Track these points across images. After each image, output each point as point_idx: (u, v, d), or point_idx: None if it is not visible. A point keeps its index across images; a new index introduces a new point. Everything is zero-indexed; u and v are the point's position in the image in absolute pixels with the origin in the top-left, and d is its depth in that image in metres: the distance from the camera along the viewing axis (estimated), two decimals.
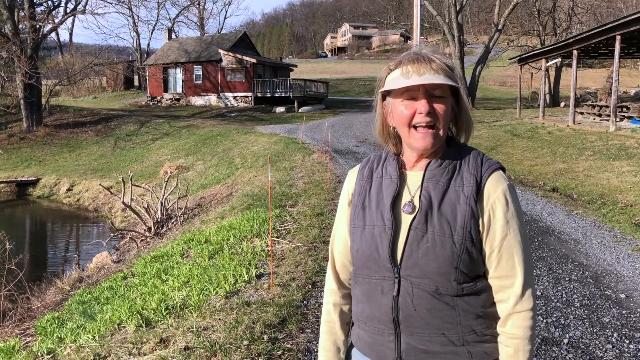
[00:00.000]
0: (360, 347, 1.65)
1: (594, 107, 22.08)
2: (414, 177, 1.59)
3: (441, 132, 1.53)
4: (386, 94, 1.61)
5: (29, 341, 5.94)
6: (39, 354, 4.89)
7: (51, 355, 4.75)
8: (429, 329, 1.50)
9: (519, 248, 1.51)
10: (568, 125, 18.42)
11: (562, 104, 34.23)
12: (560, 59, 26.83)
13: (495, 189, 1.52)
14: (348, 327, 1.74)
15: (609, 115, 17.54)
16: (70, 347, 4.77)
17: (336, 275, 1.74)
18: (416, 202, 1.54)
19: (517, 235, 1.51)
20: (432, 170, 1.55)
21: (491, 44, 33.76)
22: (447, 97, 1.54)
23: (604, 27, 16.37)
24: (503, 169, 1.58)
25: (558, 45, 21.21)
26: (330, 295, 1.75)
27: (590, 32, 17.59)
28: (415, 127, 1.53)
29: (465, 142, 1.65)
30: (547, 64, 25.14)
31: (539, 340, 4.13)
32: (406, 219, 1.54)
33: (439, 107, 1.51)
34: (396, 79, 1.54)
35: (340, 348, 1.73)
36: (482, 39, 65.10)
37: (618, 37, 15.70)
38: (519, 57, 25.94)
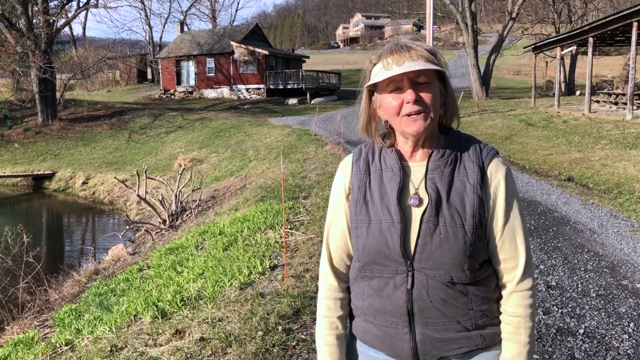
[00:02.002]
0: (368, 340, 1.64)
1: (610, 95, 21.78)
2: (417, 169, 1.58)
3: (432, 115, 1.53)
4: (373, 89, 1.62)
5: (48, 332, 6.03)
6: (57, 345, 4.96)
7: (69, 346, 4.82)
8: (444, 318, 1.52)
9: (520, 230, 1.56)
10: (584, 114, 18.20)
11: (578, 92, 33.83)
12: (575, 47, 26.48)
13: (496, 174, 1.55)
14: (346, 320, 1.73)
15: (625, 104, 17.28)
16: (87, 338, 4.84)
17: (334, 270, 1.70)
18: (422, 194, 1.54)
19: (518, 217, 1.56)
20: (435, 162, 1.55)
21: (505, 32, 33.36)
22: (432, 82, 1.53)
23: (621, 14, 16.11)
24: (498, 153, 1.61)
25: (573, 32, 20.92)
26: (329, 291, 1.71)
27: (607, 19, 17.31)
28: (406, 115, 1.53)
29: (457, 126, 1.66)
30: (562, 52, 24.81)
31: (554, 331, 4.11)
32: (414, 212, 1.53)
33: (425, 94, 1.51)
34: (378, 73, 1.55)
35: (343, 342, 1.71)
36: (496, 28, 64.44)
37: (635, 24, 15.44)
38: (533, 46, 25.64)
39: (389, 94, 1.54)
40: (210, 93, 40.97)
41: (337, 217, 1.68)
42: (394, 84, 1.53)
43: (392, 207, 1.53)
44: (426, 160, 1.57)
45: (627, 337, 4.01)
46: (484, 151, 1.57)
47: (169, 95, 42.20)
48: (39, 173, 22.99)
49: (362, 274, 1.60)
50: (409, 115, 1.51)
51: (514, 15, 32.69)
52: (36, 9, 31.00)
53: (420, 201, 1.53)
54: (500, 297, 1.59)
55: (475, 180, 1.52)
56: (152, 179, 13.88)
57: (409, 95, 1.50)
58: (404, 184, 1.56)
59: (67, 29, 49.96)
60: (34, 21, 31.36)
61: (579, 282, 5.16)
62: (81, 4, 35.59)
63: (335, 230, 1.69)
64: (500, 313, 1.59)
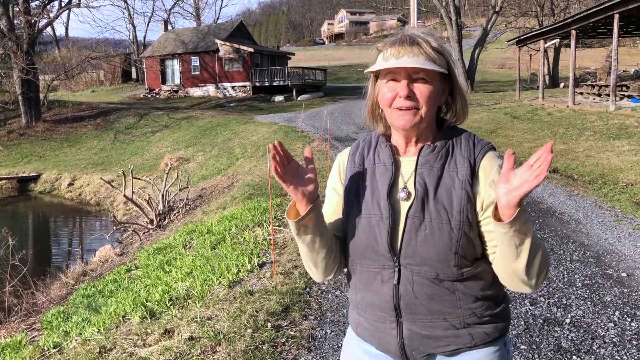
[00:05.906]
0: (361, 333, 1.67)
1: (593, 87, 21.97)
2: (407, 164, 1.57)
3: (422, 113, 1.49)
4: (377, 75, 1.59)
5: (35, 335, 5.99)
6: (45, 348, 4.92)
7: (57, 349, 4.78)
8: (430, 314, 1.51)
9: None
10: (568, 106, 18.36)
11: (562, 84, 34.10)
12: (558, 40, 26.69)
13: (490, 169, 1.49)
14: (329, 232, 1.60)
15: (608, 95, 17.45)
16: (76, 340, 4.81)
17: None
18: (410, 189, 1.53)
19: None
20: (425, 156, 1.53)
21: (489, 26, 33.55)
22: (432, 81, 1.50)
23: (602, 6, 16.24)
24: (494, 149, 1.56)
25: (556, 25, 21.07)
26: None
27: (589, 12, 17.45)
28: (397, 108, 1.51)
29: (460, 124, 1.63)
30: (546, 45, 24.99)
31: (541, 321, 4.15)
32: (403, 207, 1.52)
33: (420, 90, 1.48)
34: (379, 61, 1.53)
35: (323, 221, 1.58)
36: (479, 22, 64.79)
37: (616, 16, 15.58)
38: (517, 39, 25.79)
39: (385, 84, 1.53)
40: (195, 91, 40.73)
41: (327, 202, 1.70)
42: (392, 75, 1.51)
43: (382, 202, 1.53)
44: (417, 155, 1.55)
45: (613, 325, 4.07)
46: (477, 146, 1.52)
47: (154, 94, 41.89)
48: (24, 175, 22.74)
49: (354, 268, 1.62)
50: (399, 109, 1.50)
51: (497, 9, 32.88)
52: (17, 9, 30.61)
53: (409, 195, 1.52)
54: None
55: (464, 175, 1.48)
56: (139, 179, 13.79)
57: (402, 90, 1.48)
58: (395, 179, 1.56)
59: (49, 29, 49.45)
60: (15, 22, 30.95)
61: (565, 272, 5.22)
62: (63, 4, 35.25)
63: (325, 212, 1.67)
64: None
